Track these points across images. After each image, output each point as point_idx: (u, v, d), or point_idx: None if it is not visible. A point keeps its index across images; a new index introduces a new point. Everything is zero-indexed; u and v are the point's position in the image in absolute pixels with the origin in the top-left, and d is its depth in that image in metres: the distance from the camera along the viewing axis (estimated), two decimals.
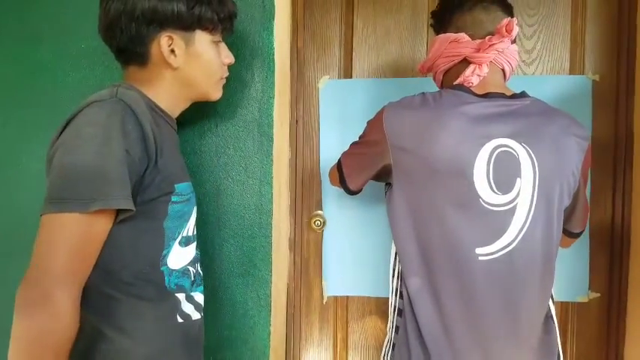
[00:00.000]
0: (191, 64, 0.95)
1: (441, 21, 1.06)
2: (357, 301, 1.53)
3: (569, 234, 1.11)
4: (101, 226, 0.78)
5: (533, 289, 0.97)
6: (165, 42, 0.91)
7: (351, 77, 1.51)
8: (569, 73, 1.44)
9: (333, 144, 1.49)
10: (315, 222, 1.51)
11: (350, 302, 1.54)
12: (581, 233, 1.13)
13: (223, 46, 1.01)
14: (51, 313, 0.71)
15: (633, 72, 1.39)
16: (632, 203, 1.41)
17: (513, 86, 1.38)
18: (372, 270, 1.48)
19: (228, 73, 1.04)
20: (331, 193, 1.51)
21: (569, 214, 1.06)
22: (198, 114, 1.19)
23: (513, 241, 0.94)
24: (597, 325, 1.47)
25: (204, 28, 0.95)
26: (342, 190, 1.16)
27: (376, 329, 1.52)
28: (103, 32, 0.94)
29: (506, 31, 0.95)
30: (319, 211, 1.52)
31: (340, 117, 1.49)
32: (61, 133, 0.81)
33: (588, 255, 1.44)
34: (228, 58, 1.02)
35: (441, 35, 1.05)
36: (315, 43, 1.52)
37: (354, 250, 1.51)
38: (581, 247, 1.43)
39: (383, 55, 1.49)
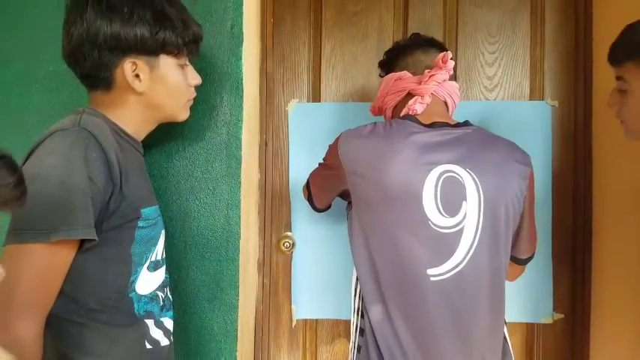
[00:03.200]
0: (156, 88, 0.95)
1: (387, 66, 1.18)
2: (327, 324, 1.53)
3: (516, 260, 1.14)
4: (64, 256, 0.78)
5: (482, 309, 1.01)
6: (129, 68, 0.91)
7: (319, 101, 1.53)
8: (530, 99, 1.50)
9: (302, 166, 1.50)
10: (284, 243, 1.51)
11: (319, 325, 1.53)
12: (528, 259, 1.15)
13: (190, 68, 1.01)
14: (13, 343, 0.69)
15: (590, 98, 1.46)
16: (593, 226, 1.46)
17: (476, 111, 1.44)
18: (341, 292, 1.48)
19: (195, 94, 1.05)
20: (300, 215, 1.51)
21: (514, 239, 1.10)
22: (167, 137, 1.19)
23: (462, 261, 0.99)
24: (562, 346, 1.50)
25: (169, 53, 0.94)
26: (311, 207, 1.23)
27: (346, 352, 1.51)
28: (67, 57, 0.93)
29: (442, 62, 1.05)
30: (288, 233, 1.53)
31: (309, 140, 1.51)
32: (24, 163, 0.80)
33: (552, 277, 1.47)
34: (195, 79, 1.02)
35: (387, 76, 1.15)
36: (284, 68, 1.54)
37: (323, 272, 1.51)
38: (544, 268, 1.46)
39: (350, 80, 1.53)
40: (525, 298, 1.47)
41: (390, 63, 1.18)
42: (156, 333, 0.91)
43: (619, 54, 0.96)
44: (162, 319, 0.94)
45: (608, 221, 1.41)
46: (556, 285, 1.48)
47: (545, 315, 1.49)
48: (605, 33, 1.32)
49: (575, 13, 1.48)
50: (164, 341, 0.94)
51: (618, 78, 0.97)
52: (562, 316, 1.49)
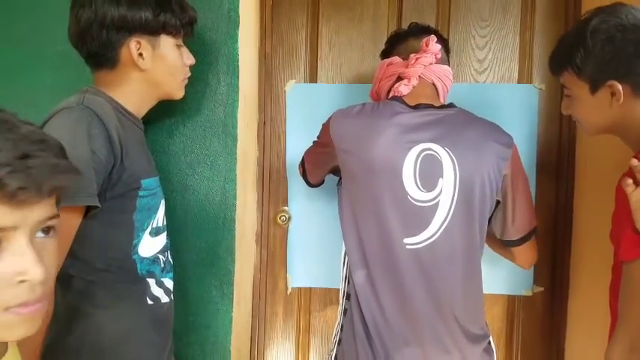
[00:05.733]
0: (157, 65, 1.04)
1: (386, 54, 1.26)
2: (320, 292, 1.63)
3: (509, 243, 1.18)
4: (70, 220, 0.86)
5: (455, 277, 1.09)
6: (134, 46, 1.00)
7: (316, 82, 1.60)
8: (518, 82, 1.55)
9: (299, 144, 1.57)
10: (280, 217, 1.60)
11: (313, 293, 1.64)
12: (521, 241, 1.17)
13: (185, 49, 1.11)
14: None
15: None
16: (574, 204, 1.53)
17: (466, 93, 1.50)
18: (333, 263, 1.56)
19: (189, 74, 1.14)
20: (297, 191, 1.60)
21: (500, 221, 1.16)
22: (167, 115, 1.27)
23: (435, 233, 1.07)
24: (541, 317, 1.59)
25: (169, 33, 1.05)
26: (305, 182, 1.33)
27: (336, 319, 1.61)
28: (75, 39, 1.02)
29: (425, 45, 1.11)
30: (285, 207, 1.62)
31: (306, 119, 1.58)
32: None
33: None
34: (190, 59, 1.12)
35: (381, 62, 1.23)
36: (282, 49, 1.61)
37: (316, 244, 1.60)
38: None
39: (346, 62, 1.59)
40: (508, 272, 1.55)
41: (387, 51, 1.26)
42: (157, 291, 1.02)
43: (555, 66, 1.05)
44: (162, 279, 1.04)
45: (587, 200, 1.48)
46: (537, 260, 1.55)
47: (526, 288, 1.58)
48: None
49: (564, 0, 1.52)
50: (164, 298, 1.05)
51: (562, 86, 1.05)
52: (542, 289, 1.57)
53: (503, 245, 1.21)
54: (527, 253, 1.21)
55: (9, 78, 1.33)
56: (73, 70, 1.21)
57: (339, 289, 1.57)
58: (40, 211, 0.54)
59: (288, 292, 1.63)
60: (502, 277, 1.56)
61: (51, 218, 0.56)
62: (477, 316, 1.15)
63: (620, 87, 0.93)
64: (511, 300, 1.60)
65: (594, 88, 0.97)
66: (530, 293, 1.58)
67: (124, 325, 0.96)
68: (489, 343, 1.18)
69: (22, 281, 0.52)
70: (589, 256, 1.47)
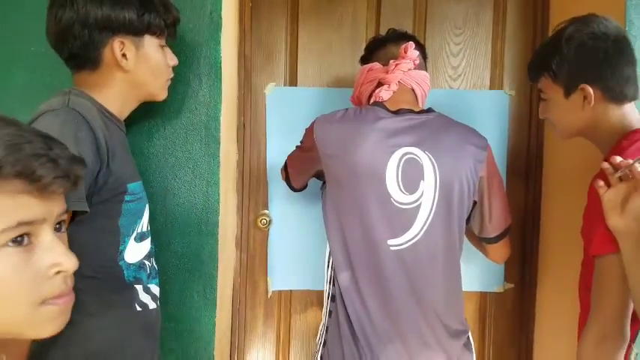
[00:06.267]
0: (141, 66, 1.02)
1: (365, 60, 1.28)
2: (300, 295, 1.64)
3: (486, 240, 1.24)
4: None
5: (436, 276, 1.14)
6: (118, 47, 0.98)
7: (296, 85, 1.61)
8: (490, 88, 1.61)
9: (279, 147, 1.58)
10: (261, 221, 1.60)
11: (293, 296, 1.64)
12: (498, 238, 1.23)
13: (168, 49, 1.10)
14: None
15: None
16: (542, 204, 1.60)
17: (441, 99, 1.54)
18: (313, 265, 1.58)
19: (172, 74, 1.13)
20: (277, 194, 1.60)
21: (478, 219, 1.21)
22: (147, 117, 1.25)
23: (418, 233, 1.11)
24: (512, 312, 1.66)
25: (153, 33, 1.03)
26: (288, 187, 1.33)
27: (317, 320, 1.63)
28: (54, 39, 0.99)
29: (404, 52, 1.15)
30: (265, 211, 1.61)
31: (286, 122, 1.59)
32: None
33: None
34: (173, 60, 1.11)
35: (361, 67, 1.26)
36: (262, 52, 1.61)
37: (297, 247, 1.61)
38: None
39: (326, 65, 1.61)
40: (480, 270, 1.61)
41: (366, 57, 1.28)
42: (144, 297, 1.00)
43: (533, 72, 1.12)
44: (149, 285, 1.02)
45: (554, 201, 1.55)
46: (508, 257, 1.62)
47: (497, 284, 1.64)
48: None
49: (533, 11, 1.59)
50: (152, 305, 1.03)
51: (539, 91, 1.12)
52: (512, 285, 1.64)
53: (480, 242, 1.26)
54: (502, 249, 1.27)
55: None
56: (47, 71, 1.18)
57: (320, 292, 1.60)
58: (60, 203, 0.56)
59: (269, 296, 1.63)
60: (475, 274, 1.61)
61: (64, 212, 0.58)
62: (458, 312, 1.19)
63: (591, 90, 1.00)
64: (483, 296, 1.66)
65: (568, 92, 1.03)
66: (501, 290, 1.64)
67: (113, 332, 0.93)
68: (468, 338, 1.22)
69: (58, 273, 0.55)
70: (556, 254, 1.54)
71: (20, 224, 0.51)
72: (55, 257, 0.55)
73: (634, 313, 0.91)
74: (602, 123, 1.03)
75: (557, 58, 1.03)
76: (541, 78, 1.08)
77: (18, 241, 0.52)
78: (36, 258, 0.53)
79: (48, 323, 0.56)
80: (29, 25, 1.26)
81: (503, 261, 1.33)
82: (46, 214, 0.53)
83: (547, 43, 1.08)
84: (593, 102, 1.00)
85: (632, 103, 1.04)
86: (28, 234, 0.53)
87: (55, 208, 0.55)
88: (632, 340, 0.73)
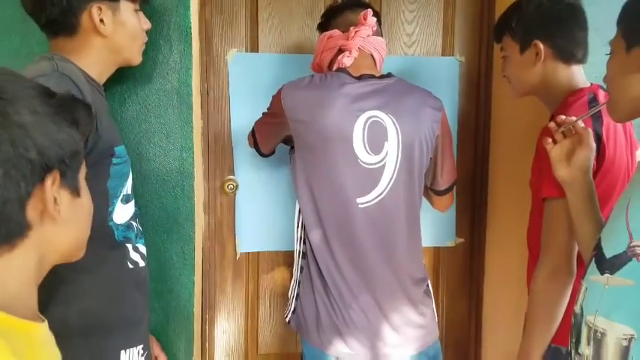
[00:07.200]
0: (118, 31, 1.03)
1: (323, 27, 1.32)
2: (267, 256, 1.71)
3: (436, 192, 1.36)
4: None
5: (401, 230, 1.24)
6: (96, 12, 0.98)
7: (257, 51, 1.63)
8: (442, 55, 1.72)
9: (242, 113, 1.61)
10: (228, 186, 1.63)
11: (261, 257, 1.71)
12: (447, 190, 1.35)
13: (141, 13, 1.11)
14: None
15: (492, 55, 1.71)
16: (490, 163, 1.75)
17: (396, 65, 1.63)
18: (279, 227, 1.65)
19: (147, 38, 1.14)
20: (242, 159, 1.64)
21: (432, 173, 1.32)
22: (119, 83, 1.24)
23: (383, 191, 1.20)
24: (462, 265, 1.82)
25: None
26: (257, 152, 1.37)
27: (284, 279, 1.71)
28: (30, 5, 0.97)
29: (364, 18, 1.21)
30: (231, 176, 1.65)
31: (248, 88, 1.61)
32: None
33: (455, 206, 1.74)
34: (147, 24, 1.12)
35: (320, 35, 1.30)
36: (222, 16, 1.61)
37: (263, 210, 1.67)
38: None
39: (286, 32, 1.64)
40: (433, 226, 1.73)
41: (324, 24, 1.32)
42: (134, 255, 1.04)
43: (498, 32, 1.23)
44: (137, 244, 1.06)
45: (502, 159, 1.70)
46: (458, 214, 1.77)
47: (449, 239, 1.79)
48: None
49: None
50: (141, 263, 1.07)
51: (501, 49, 1.23)
52: (463, 240, 1.79)
53: (429, 193, 1.38)
54: (448, 200, 1.40)
55: None
56: (16, 37, 1.13)
57: (285, 252, 1.68)
58: None
59: (237, 258, 1.68)
60: (429, 231, 1.73)
61: None
62: (419, 262, 1.32)
63: (542, 46, 1.12)
64: (436, 251, 1.80)
65: (523, 48, 1.15)
66: (453, 244, 1.79)
67: (110, 288, 0.97)
68: (428, 285, 1.35)
69: None
70: (503, 209, 1.71)
71: None
72: None
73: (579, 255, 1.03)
74: (551, 80, 1.15)
75: (516, 17, 1.15)
76: (503, 37, 1.19)
77: None
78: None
79: None
80: None
81: (447, 210, 1.45)
82: None
83: (511, 6, 1.19)
84: (543, 57, 1.12)
85: (580, 66, 1.16)
86: None
87: None
88: (582, 276, 0.85)
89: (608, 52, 0.85)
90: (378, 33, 1.28)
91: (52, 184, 0.53)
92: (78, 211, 0.60)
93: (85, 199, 0.63)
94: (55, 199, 0.54)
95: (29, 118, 0.51)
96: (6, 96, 0.49)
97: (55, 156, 0.53)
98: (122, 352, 0.98)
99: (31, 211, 0.52)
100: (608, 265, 0.77)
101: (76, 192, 0.59)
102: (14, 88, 0.52)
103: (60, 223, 0.56)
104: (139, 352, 1.01)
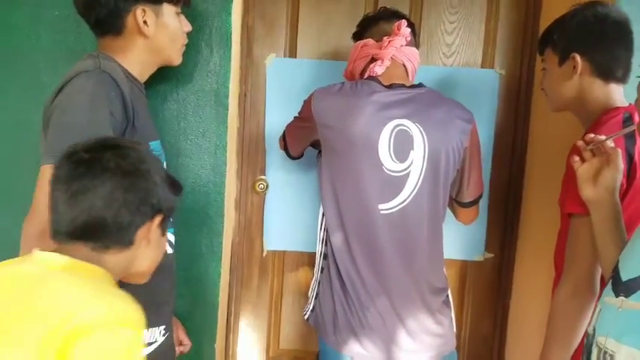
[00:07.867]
0: (160, 32, 1.10)
1: (358, 36, 1.34)
2: (293, 256, 1.75)
3: (460, 204, 1.35)
4: None
5: (422, 239, 1.25)
6: (140, 14, 1.06)
7: (295, 57, 1.68)
8: (481, 67, 1.71)
9: (277, 116, 1.65)
10: (259, 185, 1.69)
11: (286, 256, 1.75)
12: (472, 203, 1.34)
13: (182, 16, 1.17)
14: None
15: (533, 69, 1.68)
16: (524, 179, 1.72)
17: (434, 75, 1.63)
18: (306, 228, 1.69)
19: (187, 40, 1.20)
20: (274, 161, 1.69)
21: (457, 185, 1.32)
22: (161, 82, 1.32)
23: (406, 199, 1.21)
24: (490, 280, 1.79)
25: (170, 1, 1.11)
26: (286, 155, 1.41)
27: (307, 279, 1.74)
28: (81, 6, 1.06)
29: (397, 29, 1.23)
30: (263, 176, 1.70)
31: (285, 92, 1.66)
32: (55, 98, 0.94)
33: (486, 222, 1.73)
34: (187, 26, 1.19)
35: (355, 43, 1.33)
36: (264, 22, 1.66)
37: (291, 211, 1.71)
38: (480, 214, 1.68)
39: (325, 39, 1.67)
40: (462, 239, 1.72)
41: (359, 33, 1.35)
42: None
43: (541, 44, 1.21)
44: (167, 233, 1.12)
45: (537, 177, 1.67)
46: (489, 229, 1.74)
47: (478, 254, 1.76)
48: (551, 12, 1.51)
49: None
50: (169, 250, 1.13)
51: (542, 61, 1.21)
52: (492, 255, 1.77)
53: (454, 204, 1.37)
54: (472, 213, 1.39)
55: (7, 38, 1.33)
56: (71, 35, 1.23)
57: (309, 253, 1.72)
58: None
59: (264, 255, 1.73)
60: (457, 243, 1.73)
61: None
62: (439, 271, 1.31)
63: (579, 59, 1.10)
64: (464, 264, 1.78)
65: (562, 60, 1.13)
66: (481, 259, 1.76)
67: None
68: (448, 296, 1.35)
69: None
70: (535, 227, 1.66)
71: None
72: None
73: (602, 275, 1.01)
74: (587, 96, 1.12)
75: (560, 29, 1.13)
76: (546, 49, 1.18)
77: None
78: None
79: None
80: None
81: (471, 223, 1.44)
82: None
83: (558, 18, 1.17)
84: (579, 71, 1.10)
85: (620, 85, 1.12)
86: None
87: None
88: (598, 297, 0.83)
89: None
90: (412, 43, 1.29)
91: (157, 223, 0.79)
92: (160, 246, 0.85)
93: (164, 240, 0.87)
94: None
95: (158, 180, 0.78)
96: (148, 165, 0.77)
97: (164, 207, 0.79)
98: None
99: (139, 235, 0.77)
100: (624, 289, 0.76)
101: (164, 233, 0.84)
102: (152, 160, 0.79)
103: (149, 249, 0.80)
104: (160, 332, 1.07)
